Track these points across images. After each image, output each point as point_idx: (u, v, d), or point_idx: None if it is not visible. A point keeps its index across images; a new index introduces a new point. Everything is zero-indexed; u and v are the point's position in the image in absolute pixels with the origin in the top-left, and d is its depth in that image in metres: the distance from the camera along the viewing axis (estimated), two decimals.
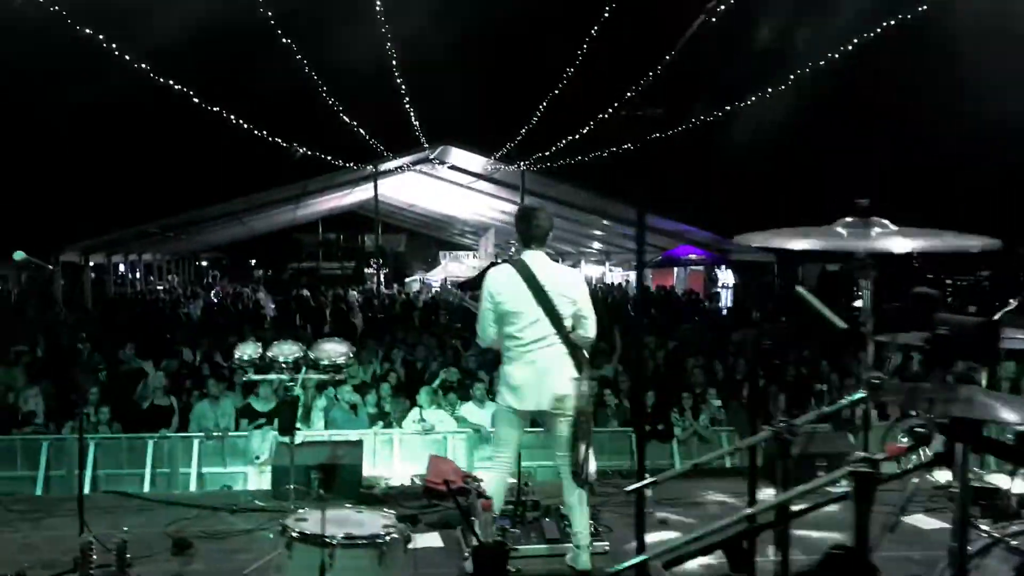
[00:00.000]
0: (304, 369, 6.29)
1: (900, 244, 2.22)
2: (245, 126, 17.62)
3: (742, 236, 2.62)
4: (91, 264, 26.96)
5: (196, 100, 15.11)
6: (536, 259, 5.02)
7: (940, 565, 2.33)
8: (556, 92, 16.67)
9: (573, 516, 5.04)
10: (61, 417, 9.75)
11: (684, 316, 23.50)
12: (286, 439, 6.19)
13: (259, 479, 8.70)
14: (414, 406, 9.92)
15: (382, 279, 36.83)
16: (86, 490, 6.03)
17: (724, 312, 26.13)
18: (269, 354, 6.28)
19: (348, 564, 3.34)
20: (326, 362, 6.27)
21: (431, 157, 27.97)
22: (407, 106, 18.97)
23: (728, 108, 18.19)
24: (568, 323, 4.96)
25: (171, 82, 13.93)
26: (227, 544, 5.58)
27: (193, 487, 8.87)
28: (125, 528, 4.86)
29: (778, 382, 10.08)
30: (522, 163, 23.37)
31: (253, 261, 51.85)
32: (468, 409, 9.96)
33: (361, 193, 33.54)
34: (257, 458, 8.88)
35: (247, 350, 6.34)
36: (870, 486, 1.61)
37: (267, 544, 5.48)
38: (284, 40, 13.85)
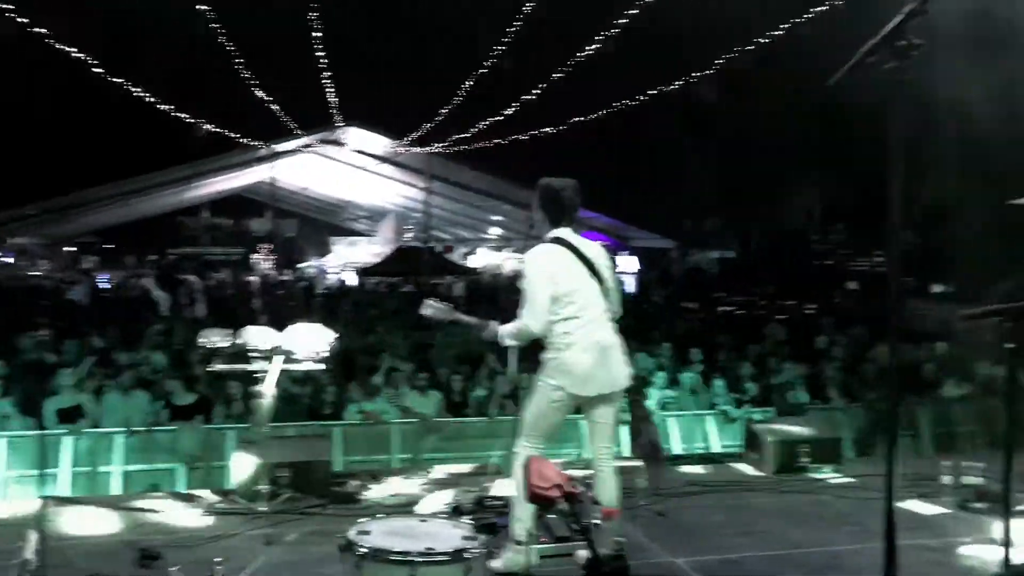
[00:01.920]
0: (273, 359, 5.70)
1: None
2: (137, 95, 16.44)
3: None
4: None
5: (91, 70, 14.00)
6: (573, 235, 4.63)
7: None
8: (477, 75, 16.30)
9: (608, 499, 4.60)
10: None
11: None
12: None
13: (193, 477, 8.08)
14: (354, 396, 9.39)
15: (272, 265, 35.61)
16: None
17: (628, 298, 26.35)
18: (239, 341, 5.67)
19: None
20: (299, 352, 5.70)
21: (333, 138, 27.12)
22: (324, 80, 18.18)
23: (641, 97, 18.18)
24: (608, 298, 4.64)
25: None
26: (200, 553, 4.99)
27: (118, 488, 8.10)
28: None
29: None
30: (435, 145, 22.85)
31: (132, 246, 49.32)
32: (410, 398, 9.49)
33: (250, 176, 32.25)
34: (192, 457, 8.21)
35: (213, 337, 5.72)
36: None
37: (246, 551, 4.98)
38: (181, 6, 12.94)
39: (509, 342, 4.66)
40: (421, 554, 2.91)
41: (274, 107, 19.78)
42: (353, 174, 31.75)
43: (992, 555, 4.56)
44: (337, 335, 6.08)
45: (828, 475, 6.71)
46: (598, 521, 3.74)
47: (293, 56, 16.85)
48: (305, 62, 16.82)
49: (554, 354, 4.48)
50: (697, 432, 9.81)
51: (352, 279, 28.82)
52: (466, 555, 2.98)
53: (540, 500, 3.39)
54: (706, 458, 8.10)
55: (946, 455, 7.20)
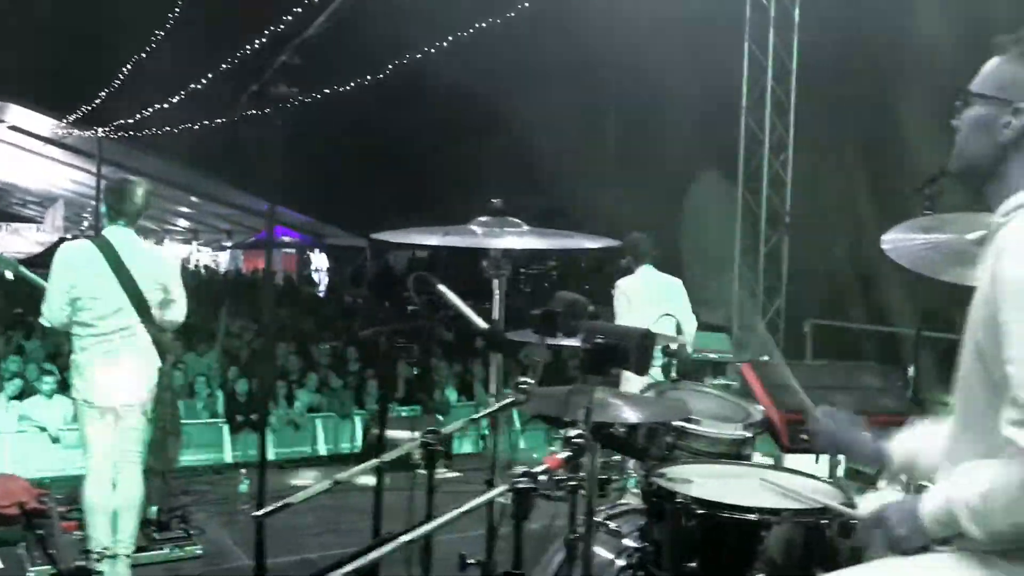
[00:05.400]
0: None
1: (531, 243, 2.29)
2: None
3: (382, 233, 2.52)
4: None
5: None
6: (123, 238, 4.55)
7: (556, 556, 2.44)
8: (143, 55, 15.33)
9: (121, 519, 4.53)
10: None
11: (280, 300, 23.03)
12: None
13: None
14: None
15: None
16: None
17: (321, 295, 26.12)
18: None
19: None
20: None
21: None
22: None
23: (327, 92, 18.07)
24: (156, 310, 4.60)
25: None
26: None
27: None
28: None
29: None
30: (98, 129, 21.19)
31: None
32: (34, 404, 8.75)
33: None
34: None
35: None
36: (527, 502, 1.59)
37: None
38: None
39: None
40: None
41: None
42: (15, 155, 28.78)
43: None
44: None
45: (438, 472, 7.05)
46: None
47: None
48: None
49: (74, 356, 4.48)
50: (344, 434, 9.98)
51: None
52: None
53: None
54: (327, 460, 8.28)
55: None
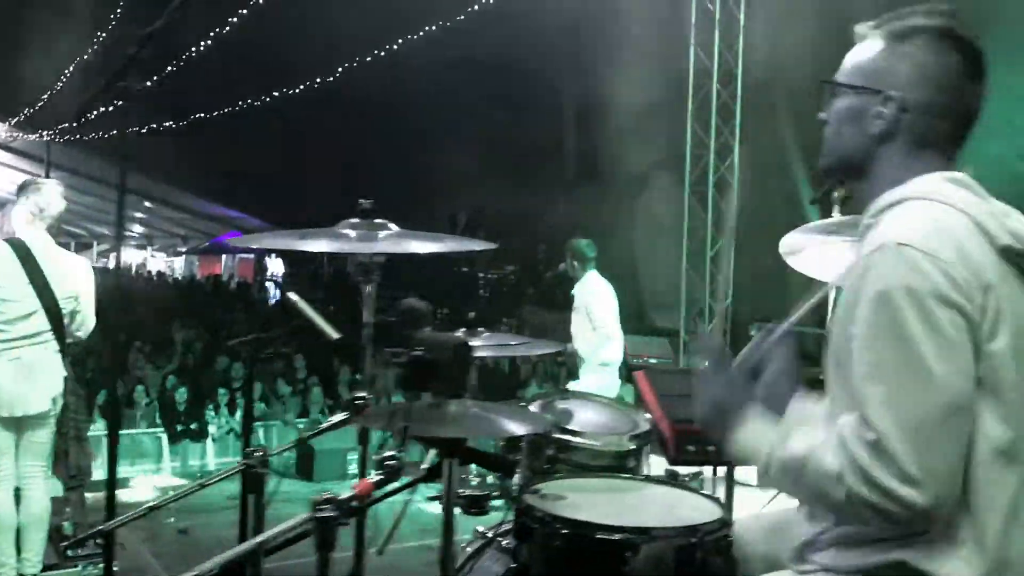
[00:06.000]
0: None
1: (408, 247, 2.18)
2: None
3: (242, 239, 2.40)
4: None
5: None
6: (39, 241, 4.37)
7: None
8: (87, 55, 14.99)
9: (27, 536, 4.35)
10: None
11: (233, 306, 22.70)
12: None
13: None
14: None
15: None
16: None
17: (273, 302, 25.76)
18: None
19: None
20: None
21: None
22: None
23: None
24: (67, 318, 4.43)
25: None
26: None
27: None
28: None
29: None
30: (45, 132, 20.74)
31: None
32: None
33: None
34: None
35: None
36: (331, 532, 1.48)
37: None
38: None
39: None
40: None
41: None
42: None
43: None
44: None
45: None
46: None
47: None
48: None
49: None
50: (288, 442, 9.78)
51: None
52: None
53: None
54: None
55: None
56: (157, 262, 36.09)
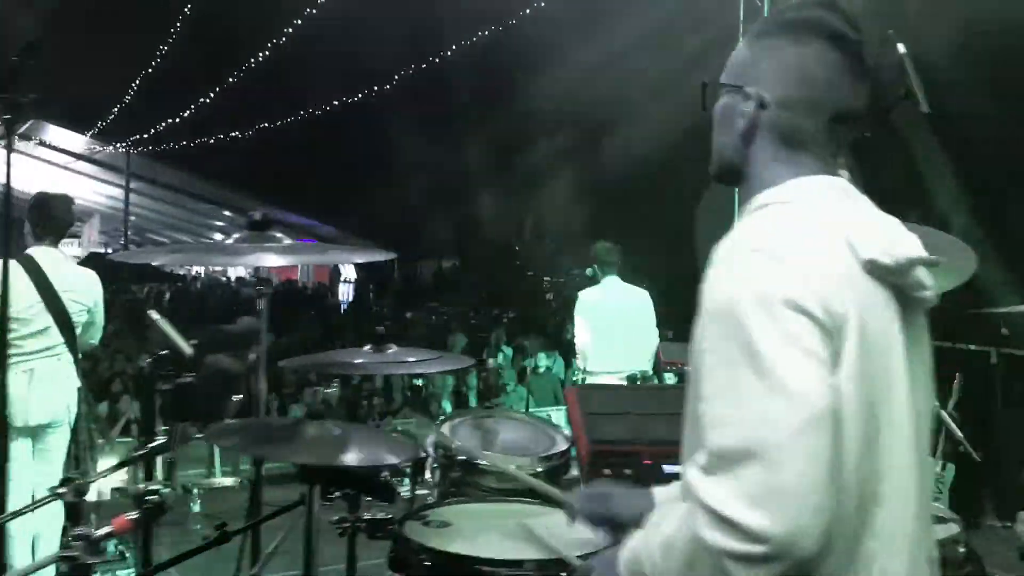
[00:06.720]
0: None
1: (294, 259, 2.08)
2: None
3: (118, 255, 2.35)
4: None
5: None
6: (49, 257, 4.40)
7: None
8: (152, 68, 15.37)
9: (40, 545, 4.33)
10: None
11: (304, 310, 23.14)
12: None
13: None
14: None
15: None
16: None
17: (345, 306, 26.21)
18: None
19: None
20: None
21: (20, 132, 24.83)
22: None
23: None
24: (79, 329, 4.45)
25: None
26: None
27: None
28: None
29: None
30: (121, 144, 21.42)
31: None
32: None
33: None
34: None
35: None
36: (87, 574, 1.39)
37: None
38: None
39: None
40: None
41: None
42: (49, 171, 29.31)
43: None
44: None
45: None
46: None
47: None
48: None
49: None
50: None
51: None
52: None
53: None
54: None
55: None
56: (237, 268, 37.00)
